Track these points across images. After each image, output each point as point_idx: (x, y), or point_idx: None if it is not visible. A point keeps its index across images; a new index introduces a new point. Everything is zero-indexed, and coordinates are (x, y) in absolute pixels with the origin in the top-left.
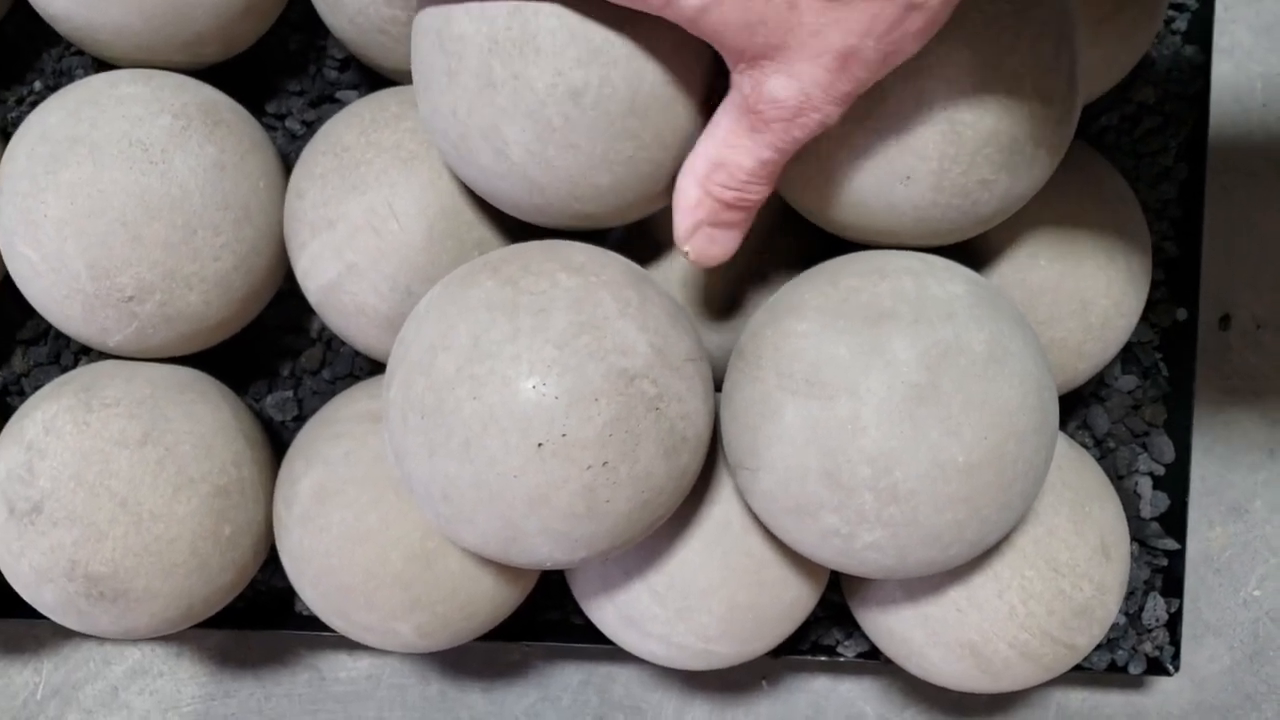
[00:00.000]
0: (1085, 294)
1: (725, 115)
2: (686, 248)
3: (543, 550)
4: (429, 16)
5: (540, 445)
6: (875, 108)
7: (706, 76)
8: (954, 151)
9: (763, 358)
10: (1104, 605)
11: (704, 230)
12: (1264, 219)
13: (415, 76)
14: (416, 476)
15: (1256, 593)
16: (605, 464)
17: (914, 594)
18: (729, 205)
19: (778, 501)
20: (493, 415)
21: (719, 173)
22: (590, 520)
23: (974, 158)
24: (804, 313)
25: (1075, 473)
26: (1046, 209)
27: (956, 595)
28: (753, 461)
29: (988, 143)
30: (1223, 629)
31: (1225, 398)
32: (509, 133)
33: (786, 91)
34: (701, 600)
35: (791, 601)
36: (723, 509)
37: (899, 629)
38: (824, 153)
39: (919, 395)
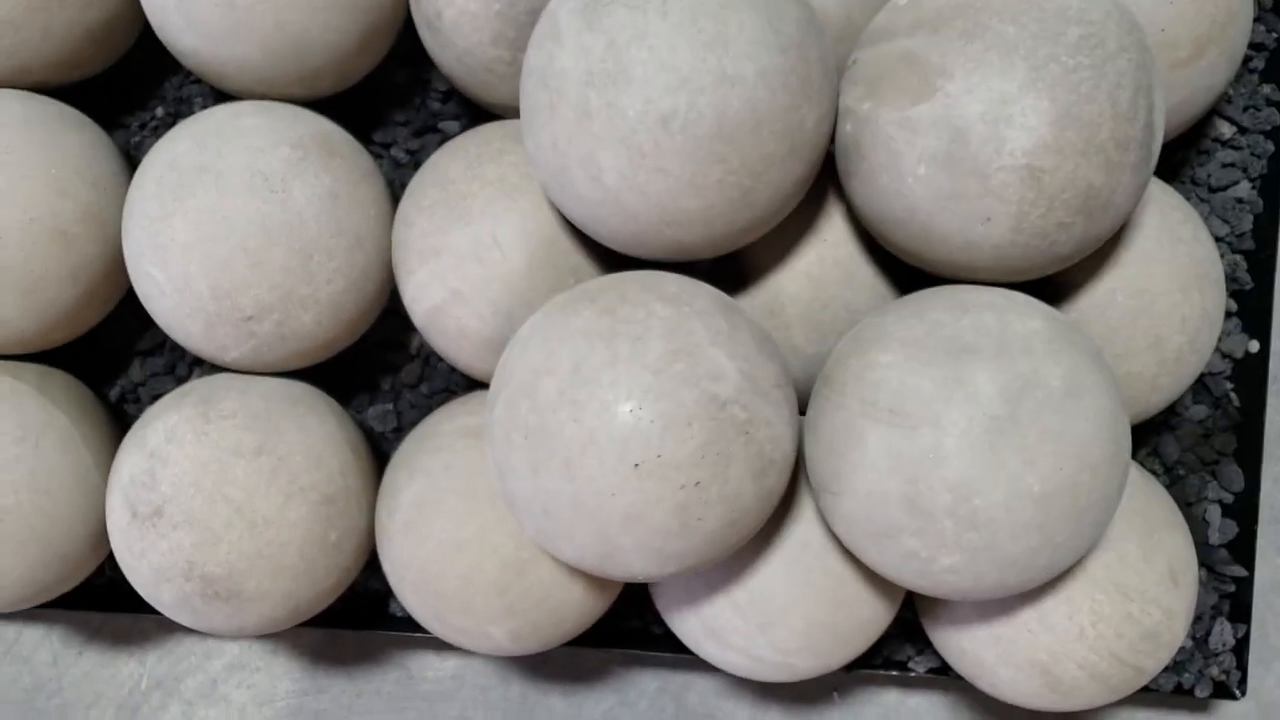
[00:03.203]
0: (1160, 330)
1: None
2: None
3: (636, 565)
4: (534, 57)
5: (637, 465)
6: (957, 152)
7: (803, 110)
8: (1033, 196)
9: (847, 386)
10: (1171, 630)
11: None
12: None
13: (522, 115)
14: (519, 493)
15: None
16: (698, 484)
17: (987, 614)
18: None
19: (859, 525)
20: (592, 437)
21: None
22: (682, 537)
23: (1052, 202)
24: (888, 344)
25: (1145, 500)
26: (1124, 247)
27: (1028, 616)
28: (836, 486)
29: (1065, 188)
30: None
31: None
32: (604, 160)
33: None
34: (781, 615)
35: (867, 619)
36: (803, 529)
37: (971, 647)
38: (909, 191)
39: (999, 427)
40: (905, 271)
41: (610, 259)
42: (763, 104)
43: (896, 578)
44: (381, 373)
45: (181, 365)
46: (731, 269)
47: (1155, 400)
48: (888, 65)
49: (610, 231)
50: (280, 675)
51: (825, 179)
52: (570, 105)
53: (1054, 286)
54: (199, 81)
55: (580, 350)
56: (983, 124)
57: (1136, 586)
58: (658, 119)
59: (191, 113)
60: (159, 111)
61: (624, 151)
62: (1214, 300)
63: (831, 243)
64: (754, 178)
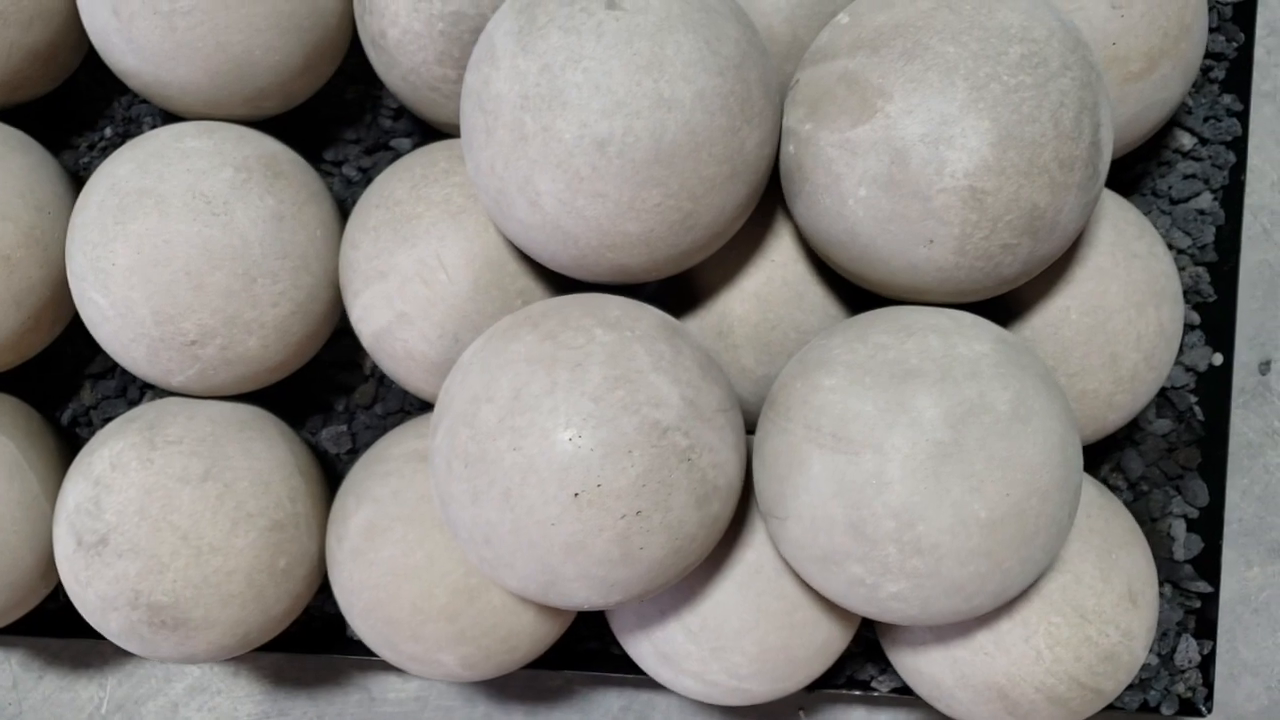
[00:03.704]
0: (1115, 347)
1: None
2: None
3: (580, 594)
4: (472, 79)
5: (577, 495)
6: (898, 174)
7: (742, 132)
8: (975, 218)
9: (792, 410)
10: (1131, 651)
11: None
12: None
13: (462, 137)
14: (460, 522)
15: None
16: (639, 513)
17: (943, 637)
18: None
19: (805, 550)
20: (532, 465)
21: None
22: (625, 566)
23: (995, 224)
24: (832, 368)
25: (1104, 520)
26: (1077, 264)
27: (984, 639)
28: (781, 510)
29: (1009, 210)
30: (1260, 669)
31: (1265, 440)
32: (541, 184)
33: None
34: (734, 640)
35: (823, 643)
36: (756, 553)
37: (929, 670)
38: (850, 214)
39: (943, 452)
40: (855, 291)
41: (558, 281)
42: (701, 127)
43: (844, 603)
44: (335, 394)
45: (133, 388)
46: (680, 289)
47: (1112, 419)
48: (828, 86)
49: (551, 255)
50: (242, 698)
51: (773, 199)
52: (506, 129)
53: (1006, 304)
54: (147, 101)
55: (520, 377)
56: (923, 145)
57: (1094, 608)
58: (594, 143)
59: (140, 133)
60: (107, 131)
61: (561, 175)
62: (1171, 316)
63: (780, 263)
64: (694, 201)
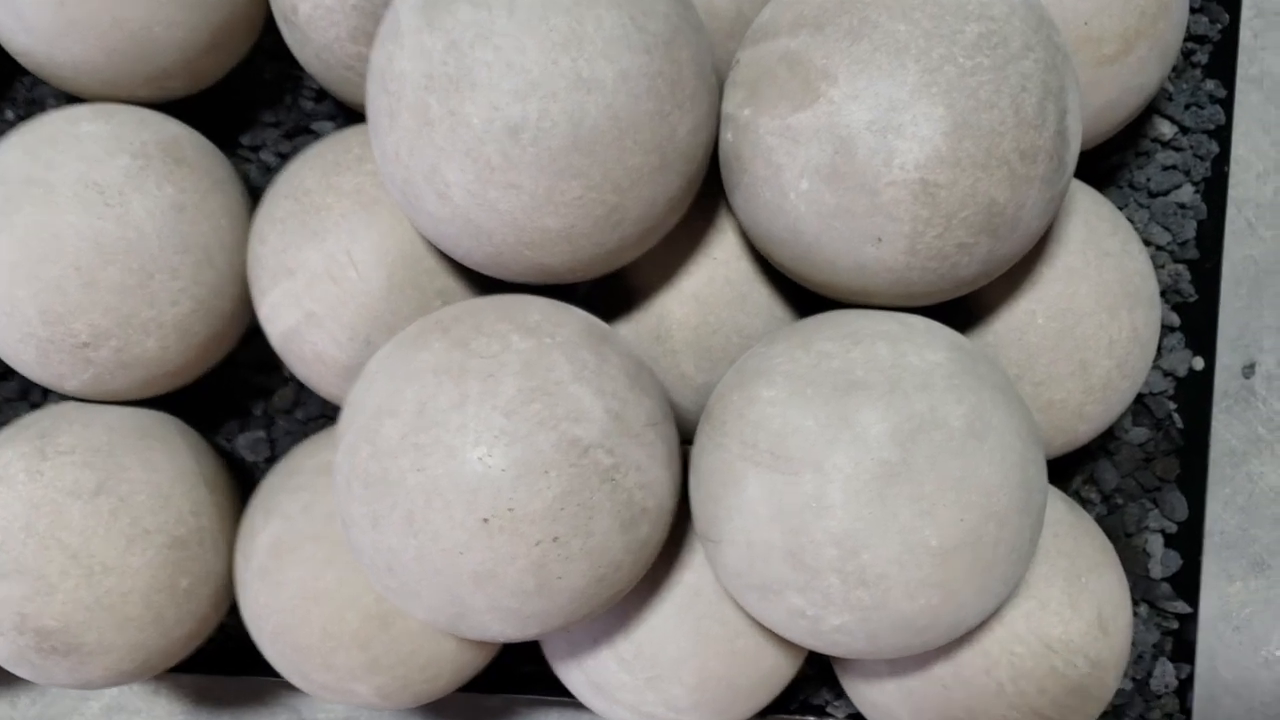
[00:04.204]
0: (1085, 354)
1: None
2: None
3: (493, 627)
4: (376, 57)
5: (486, 520)
6: (842, 165)
7: (673, 117)
8: (927, 214)
9: (728, 424)
10: (1101, 683)
11: None
12: None
13: (368, 121)
14: (361, 547)
15: (1279, 652)
16: (556, 539)
17: (898, 668)
18: None
19: (742, 577)
20: (437, 488)
21: None
22: (541, 597)
23: (949, 221)
24: (772, 378)
25: (1073, 540)
26: (1044, 263)
27: (942, 671)
28: (716, 533)
29: (964, 205)
30: (1241, 689)
31: (1249, 448)
32: (449, 173)
33: None
34: (672, 669)
35: (769, 671)
36: (695, 574)
37: (883, 702)
38: (791, 208)
39: (889, 473)
40: (804, 292)
41: (481, 281)
42: (624, 111)
43: (786, 635)
44: (252, 397)
45: (35, 391)
46: (614, 290)
47: (1083, 430)
48: (768, 67)
49: (465, 252)
50: (162, 718)
51: (714, 190)
52: (410, 112)
53: (966, 308)
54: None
55: (427, 389)
56: (870, 134)
57: (1061, 637)
58: (505, 129)
59: None
60: (9, 114)
61: (470, 165)
62: (1146, 320)
63: (722, 261)
64: (619, 194)
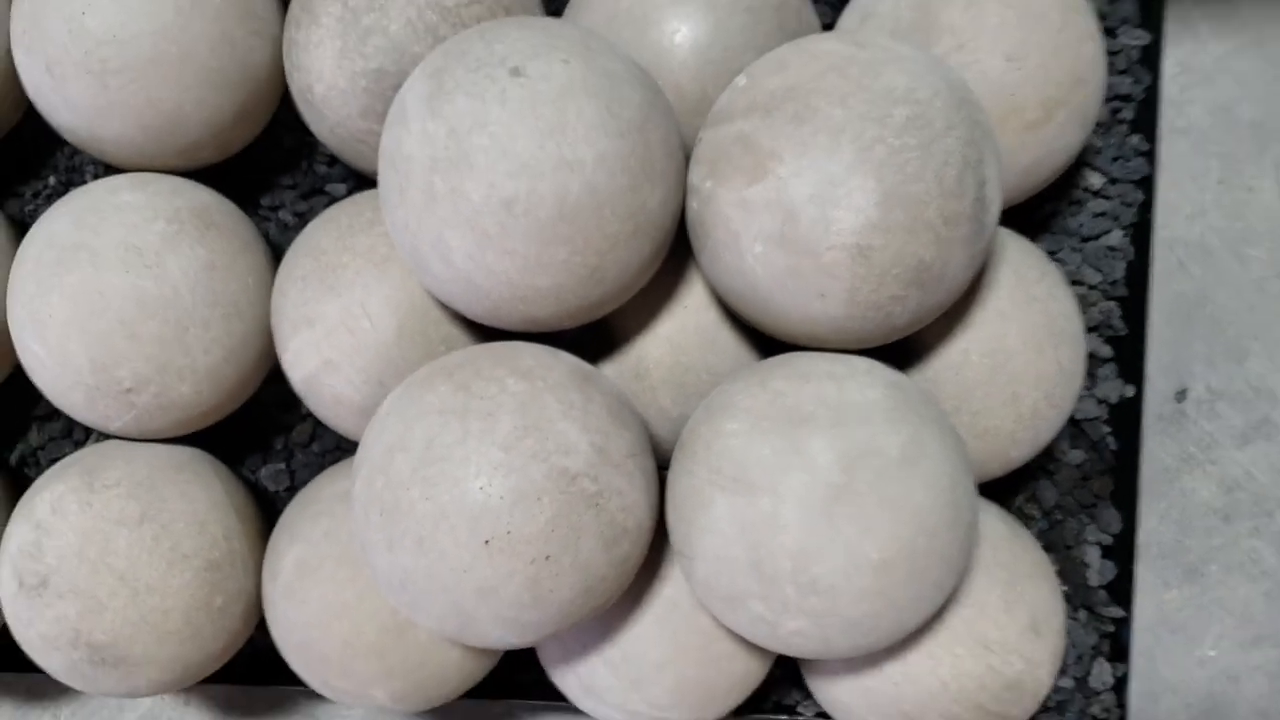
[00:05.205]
0: (1016, 387)
1: None
2: None
3: (494, 634)
4: (386, 140)
5: (487, 542)
6: (789, 232)
7: (644, 191)
8: (864, 272)
9: (697, 453)
10: (1035, 679)
11: None
12: (1218, 293)
13: (379, 194)
14: (378, 567)
15: (1212, 652)
16: (548, 557)
17: (855, 667)
18: None
19: (711, 589)
20: (444, 514)
21: None
22: (536, 608)
23: (883, 278)
24: (734, 413)
25: (1010, 553)
26: (978, 307)
27: (893, 670)
28: (688, 550)
29: (895, 264)
30: (1180, 687)
31: (1181, 465)
32: (452, 241)
33: None
34: (654, 673)
35: (741, 674)
36: (673, 588)
37: (843, 698)
38: (749, 269)
39: (836, 495)
40: (764, 335)
41: (480, 328)
42: (602, 187)
43: (750, 639)
44: (274, 432)
45: (78, 430)
46: (598, 334)
47: (1015, 455)
48: (725, 147)
49: (466, 306)
50: None
51: (685, 249)
52: (418, 189)
53: (911, 347)
54: None
55: (433, 427)
56: (812, 205)
57: (997, 639)
58: (500, 203)
59: (83, 181)
60: (51, 180)
61: (470, 234)
62: (1070, 355)
63: (693, 309)
64: (599, 256)
